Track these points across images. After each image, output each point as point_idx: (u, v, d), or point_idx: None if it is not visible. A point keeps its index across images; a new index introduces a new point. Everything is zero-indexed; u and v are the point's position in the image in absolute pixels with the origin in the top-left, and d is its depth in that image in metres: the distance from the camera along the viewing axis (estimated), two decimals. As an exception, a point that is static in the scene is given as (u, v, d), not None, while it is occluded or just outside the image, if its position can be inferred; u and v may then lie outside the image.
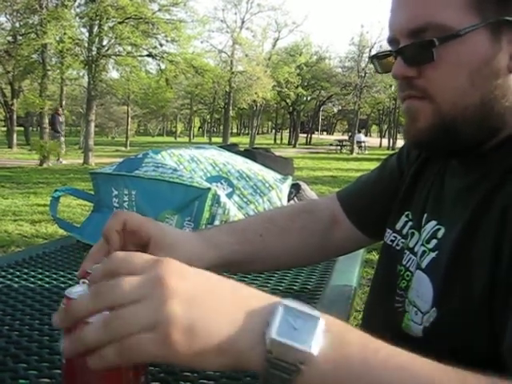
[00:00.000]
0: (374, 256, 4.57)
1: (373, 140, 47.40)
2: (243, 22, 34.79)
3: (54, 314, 0.52)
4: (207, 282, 0.51)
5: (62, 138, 18.54)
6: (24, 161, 19.33)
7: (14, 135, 30.11)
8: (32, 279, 1.14)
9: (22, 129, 40.45)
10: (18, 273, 1.18)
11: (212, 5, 49.42)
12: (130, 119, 37.95)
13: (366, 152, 32.02)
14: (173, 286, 0.47)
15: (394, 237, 0.89)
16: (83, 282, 0.60)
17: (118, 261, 0.53)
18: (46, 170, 15.73)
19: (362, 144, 33.17)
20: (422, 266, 0.77)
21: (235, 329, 0.48)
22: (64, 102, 23.35)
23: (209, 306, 0.48)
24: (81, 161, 19.05)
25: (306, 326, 0.48)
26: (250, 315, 0.49)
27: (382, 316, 0.87)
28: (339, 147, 33.43)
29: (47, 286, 1.11)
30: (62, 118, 19.08)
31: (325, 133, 73.83)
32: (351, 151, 31.10)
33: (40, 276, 1.17)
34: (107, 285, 0.49)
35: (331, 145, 35.58)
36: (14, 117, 30.07)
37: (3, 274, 1.17)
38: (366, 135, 44.47)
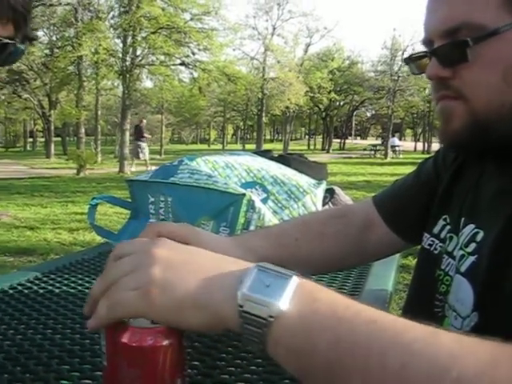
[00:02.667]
0: (410, 261, 4.52)
1: (407, 144, 46.88)
2: (274, 29, 34.87)
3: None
4: (190, 252, 0.58)
5: (145, 144, 18.90)
6: (61, 170, 19.71)
7: (52, 145, 30.79)
8: (72, 285, 1.17)
9: (59, 139, 41.27)
10: (59, 278, 1.21)
11: (243, 12, 49.77)
12: (164, 127, 38.39)
13: (401, 156, 31.67)
14: (156, 255, 0.54)
15: (432, 241, 0.89)
16: None
17: (122, 246, 0.61)
18: (83, 179, 16.02)
19: (397, 148, 32.81)
20: (462, 270, 0.76)
21: (210, 286, 0.52)
22: (99, 112, 23.77)
23: (188, 269, 0.54)
24: (116, 169, 19.33)
25: (278, 283, 0.50)
26: (225, 275, 0.53)
27: (421, 321, 0.86)
28: (373, 152, 33.15)
29: (87, 291, 1.13)
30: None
31: (358, 138, 73.33)
32: (385, 156, 30.79)
33: (80, 282, 1.20)
34: (109, 266, 0.58)
35: (365, 149, 35.30)
36: (52, 127, 30.76)
37: (45, 279, 1.20)
38: (400, 139, 43.99)
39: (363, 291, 1.16)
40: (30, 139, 50.49)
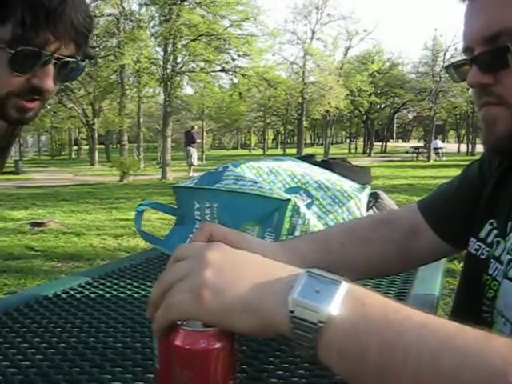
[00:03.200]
0: (456, 265, 4.45)
1: (450, 146, 46.08)
2: (314, 33, 34.84)
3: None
4: (241, 256, 0.59)
5: (194, 149, 19.45)
6: (105, 177, 20.10)
7: (96, 153, 31.47)
8: (122, 289, 1.20)
9: (102, 147, 42.13)
10: (108, 283, 1.24)
11: (282, 17, 49.83)
12: (204, 133, 38.73)
13: (444, 158, 31.15)
14: (209, 258, 0.56)
15: (479, 246, 0.88)
16: None
17: (180, 250, 0.63)
18: (126, 186, 16.30)
19: (440, 150, 32.31)
20: (509, 275, 0.76)
21: (261, 291, 0.53)
22: (141, 120, 24.15)
23: (239, 273, 0.55)
24: (159, 176, 19.59)
25: (328, 288, 0.50)
26: (276, 280, 0.54)
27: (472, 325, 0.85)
28: (415, 154, 32.74)
29: (136, 295, 1.16)
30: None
31: (400, 140, 72.46)
32: (428, 158, 30.36)
33: (129, 286, 1.22)
34: (165, 272, 0.60)
35: (407, 152, 34.90)
36: (96, 135, 31.44)
37: (95, 284, 1.24)
38: (443, 141, 43.25)
39: (409, 296, 1.15)
40: (75, 147, 51.70)
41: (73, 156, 48.27)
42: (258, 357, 0.84)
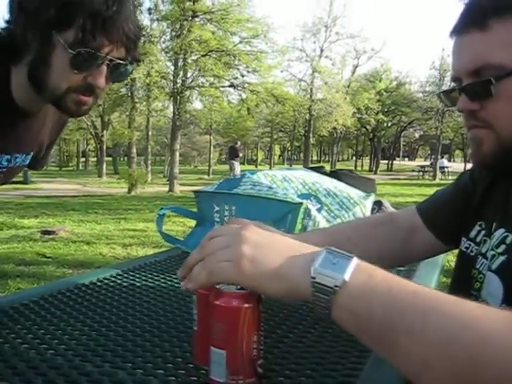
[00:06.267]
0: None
1: (456, 165, 46.00)
2: (322, 51, 35.20)
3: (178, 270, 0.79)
4: (272, 236, 0.72)
5: (237, 163, 20.22)
6: (113, 189, 20.26)
7: (104, 165, 31.67)
8: (150, 280, 1.35)
9: (110, 159, 42.38)
10: (137, 275, 1.39)
11: (291, 35, 50.16)
12: (212, 148, 38.95)
13: (450, 177, 31.16)
14: (246, 236, 0.70)
15: (469, 244, 1.00)
16: None
17: (217, 229, 0.78)
18: (134, 198, 16.43)
19: (446, 169, 32.36)
20: (493, 268, 0.88)
21: (289, 263, 0.67)
22: (150, 133, 24.31)
23: (270, 248, 0.69)
24: (165, 188, 19.73)
25: (342, 261, 0.64)
26: (301, 255, 0.68)
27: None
28: (421, 173, 32.82)
29: (164, 285, 1.31)
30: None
31: (406, 159, 72.60)
32: (434, 177, 30.43)
33: (156, 278, 1.37)
34: (207, 242, 0.74)
35: (413, 171, 34.99)
36: (104, 147, 31.68)
37: (126, 276, 1.38)
38: (449, 160, 43.28)
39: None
40: (83, 159, 52.09)
41: (80, 167, 48.62)
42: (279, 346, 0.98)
